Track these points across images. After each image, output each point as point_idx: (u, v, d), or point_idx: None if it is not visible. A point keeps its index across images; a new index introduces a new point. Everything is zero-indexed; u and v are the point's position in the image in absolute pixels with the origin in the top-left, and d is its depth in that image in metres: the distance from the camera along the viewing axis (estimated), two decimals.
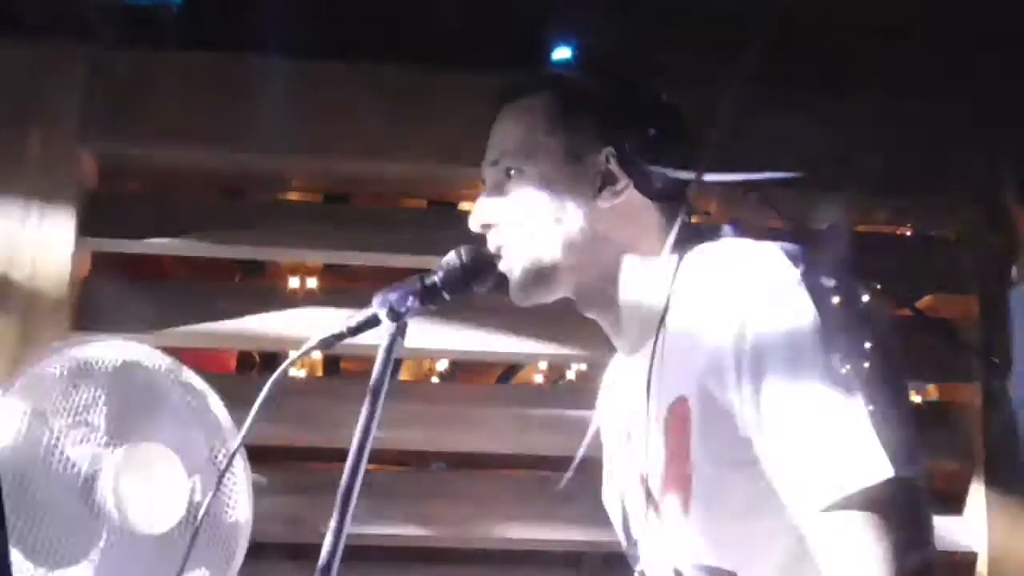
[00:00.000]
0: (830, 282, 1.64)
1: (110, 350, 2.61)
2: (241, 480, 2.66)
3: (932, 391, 4.20)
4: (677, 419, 1.69)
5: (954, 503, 3.63)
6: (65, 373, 2.52)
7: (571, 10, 3.63)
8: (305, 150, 3.63)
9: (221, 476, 2.41)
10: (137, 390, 2.60)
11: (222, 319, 3.74)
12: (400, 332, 1.76)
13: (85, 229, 3.46)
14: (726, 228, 1.83)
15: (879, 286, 1.94)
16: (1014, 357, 2.41)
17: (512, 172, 1.85)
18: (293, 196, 3.91)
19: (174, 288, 4.15)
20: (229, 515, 2.63)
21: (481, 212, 1.88)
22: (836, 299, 1.62)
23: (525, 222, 1.82)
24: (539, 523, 3.69)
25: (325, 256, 4.05)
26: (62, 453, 2.45)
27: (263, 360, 4.95)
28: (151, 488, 2.48)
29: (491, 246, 1.86)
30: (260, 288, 4.67)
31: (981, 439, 3.65)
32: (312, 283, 4.57)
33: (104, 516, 2.41)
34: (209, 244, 3.66)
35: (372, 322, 1.78)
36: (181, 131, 3.54)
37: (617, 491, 1.87)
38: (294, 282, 4.57)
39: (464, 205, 3.78)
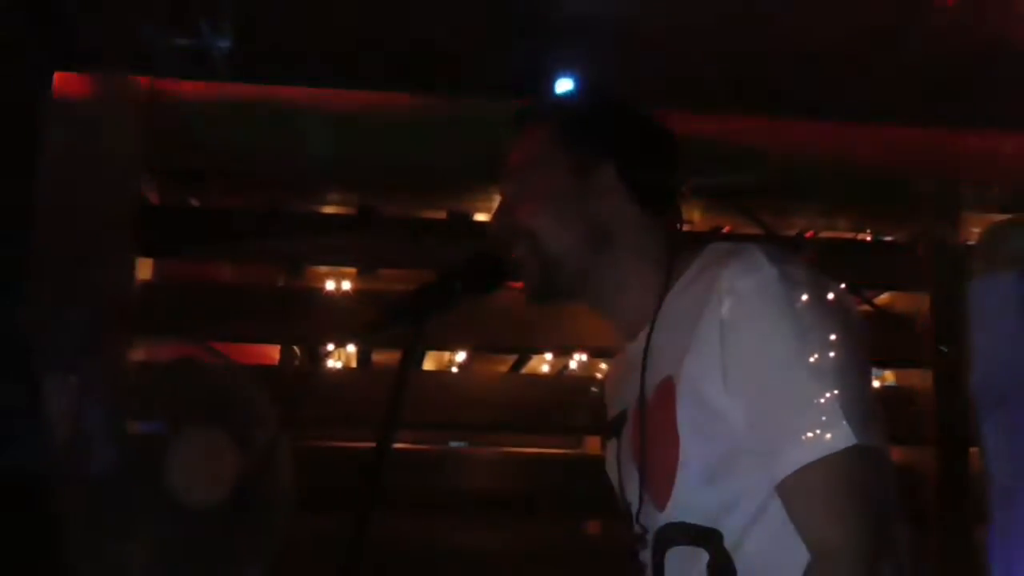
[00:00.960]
0: (801, 277, 1.64)
1: (171, 349, 2.63)
2: (284, 460, 2.66)
3: (888, 376, 4.20)
4: (666, 395, 1.69)
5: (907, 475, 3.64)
6: (134, 368, 2.54)
7: (572, 48, 3.63)
8: (340, 169, 3.64)
9: (265, 455, 2.42)
10: (194, 383, 2.61)
11: (268, 318, 3.75)
12: (422, 328, 1.77)
13: (145, 242, 3.47)
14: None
15: (843, 284, 1.94)
16: (972, 344, 2.40)
17: (524, 187, 1.85)
18: (329, 209, 3.92)
19: (226, 291, 4.17)
20: (271, 489, 2.64)
21: (495, 222, 1.88)
22: (807, 292, 1.63)
23: (535, 230, 1.82)
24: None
25: (357, 262, 4.07)
26: (132, 437, 2.46)
27: (305, 353, 4.97)
28: (206, 465, 2.49)
29: (504, 251, 1.86)
30: (301, 290, 4.69)
31: (933, 418, 3.66)
32: (346, 285, 4.57)
33: (168, 490, 2.43)
34: (256, 253, 3.68)
35: (398, 318, 1.78)
36: (231, 154, 3.56)
37: (616, 460, 1.87)
38: (330, 284, 4.58)
39: (479, 216, 3.79)
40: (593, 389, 3.63)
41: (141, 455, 2.43)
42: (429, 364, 5.43)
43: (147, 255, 3.62)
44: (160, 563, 2.45)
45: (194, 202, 3.86)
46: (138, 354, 2.57)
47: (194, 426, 2.52)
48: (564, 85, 3.67)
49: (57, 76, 3.46)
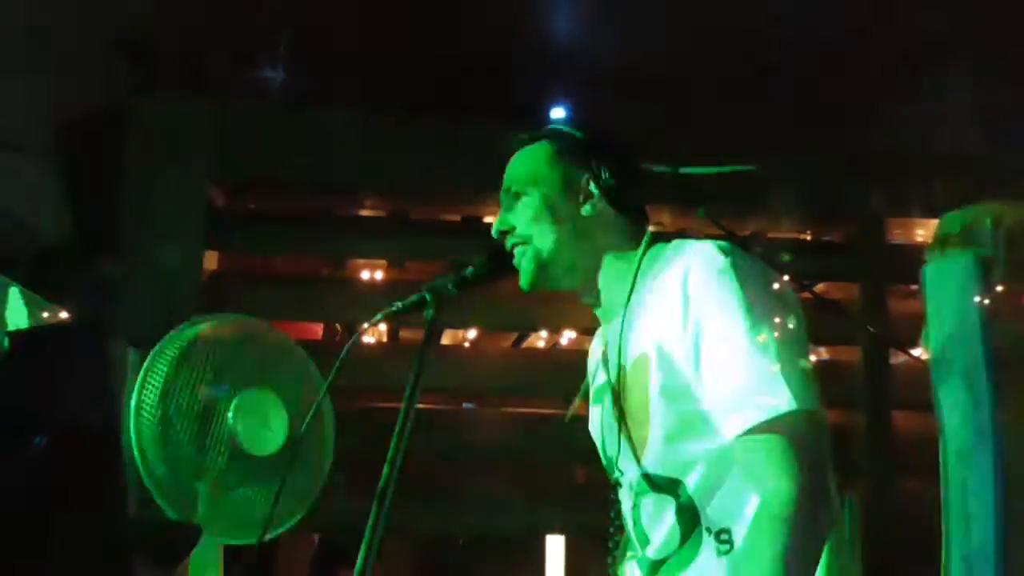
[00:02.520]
0: (751, 268, 1.63)
1: (235, 323, 2.62)
2: (327, 418, 2.65)
3: (823, 352, 4.19)
4: (640, 367, 1.68)
5: (839, 433, 3.63)
6: (202, 339, 2.53)
7: (565, 83, 3.63)
8: (374, 179, 3.64)
9: (311, 414, 2.41)
10: (253, 352, 2.60)
11: (313, 301, 3.75)
12: (440, 310, 1.76)
13: (212, 238, 3.46)
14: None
15: (787, 275, 1.92)
16: (928, 320, 2.33)
17: (522, 195, 1.84)
18: (365, 212, 3.92)
19: (279, 279, 4.17)
20: (316, 442, 2.63)
21: (500, 223, 1.87)
22: (755, 280, 1.61)
23: (531, 229, 1.81)
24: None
25: (387, 255, 4.06)
26: (199, 395, 2.45)
27: (344, 330, 4.96)
28: (262, 421, 2.48)
29: (507, 247, 1.85)
30: (342, 279, 4.69)
31: (861, 387, 3.65)
32: (379, 275, 4.56)
33: (230, 441, 2.42)
34: (305, 248, 3.69)
35: (421, 302, 1.78)
36: (285, 165, 3.55)
37: (597, 421, 1.86)
38: (365, 274, 4.57)
39: (488, 219, 3.77)
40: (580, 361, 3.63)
41: (211, 413, 2.43)
42: (446, 340, 5.41)
43: (213, 249, 3.61)
44: (224, 504, 2.44)
45: (252, 206, 3.86)
46: (206, 330, 2.54)
47: (253, 389, 2.51)
48: (557, 113, 3.68)
49: (140, 101, 3.46)
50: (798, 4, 3.36)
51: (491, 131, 3.41)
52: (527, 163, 1.86)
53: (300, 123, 3.62)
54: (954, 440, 2.23)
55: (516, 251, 1.82)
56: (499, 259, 1.83)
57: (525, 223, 1.81)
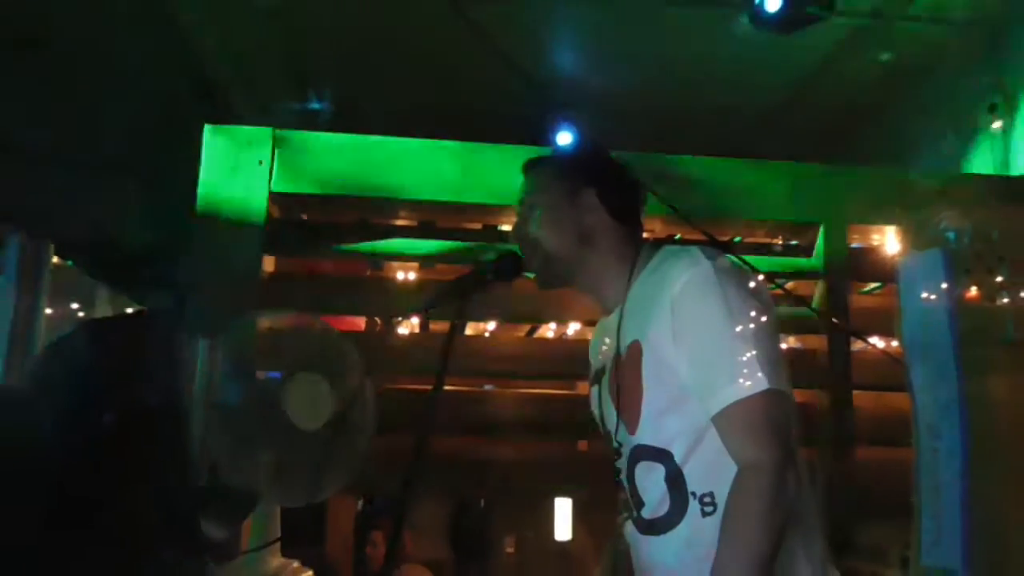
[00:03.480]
0: (729, 268, 1.64)
1: (289, 317, 2.62)
2: (369, 398, 2.64)
3: (792, 341, 4.17)
4: (634, 354, 1.68)
5: (806, 411, 3.61)
6: (262, 330, 2.53)
7: (571, 109, 3.62)
8: (407, 193, 3.64)
9: (354, 396, 2.41)
10: (304, 341, 2.60)
11: (356, 297, 3.75)
12: (465, 304, 1.77)
13: (270, 244, 3.47)
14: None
15: (760, 274, 1.91)
16: (901, 308, 2.30)
17: (535, 205, 1.84)
18: (399, 222, 3.91)
19: (327, 279, 4.18)
20: (359, 418, 2.62)
21: (516, 230, 1.87)
22: (733, 279, 1.62)
23: (541, 236, 1.81)
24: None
25: (418, 259, 4.06)
26: (256, 379, 2.45)
27: (382, 323, 4.96)
28: (312, 401, 2.48)
29: (520, 250, 1.85)
30: (380, 278, 4.69)
31: (826, 370, 3.62)
32: (412, 275, 4.56)
33: (284, 417, 2.42)
34: (348, 252, 3.70)
35: (452, 296, 1.79)
36: (330, 182, 3.55)
37: (598, 401, 1.86)
38: (400, 274, 4.57)
39: (504, 227, 3.77)
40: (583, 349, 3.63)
41: (268, 394, 2.43)
42: (469, 331, 5.41)
43: (271, 254, 3.61)
44: (280, 472, 2.44)
45: (304, 216, 3.86)
46: (265, 322, 2.54)
47: (305, 372, 2.51)
48: (564, 136, 3.68)
49: (211, 128, 3.46)
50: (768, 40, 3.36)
51: (508, 151, 3.44)
52: (540, 179, 1.87)
53: (343, 145, 3.62)
54: (924, 415, 2.21)
55: (527, 253, 1.82)
56: (513, 262, 1.83)
57: (537, 229, 1.81)
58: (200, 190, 3.40)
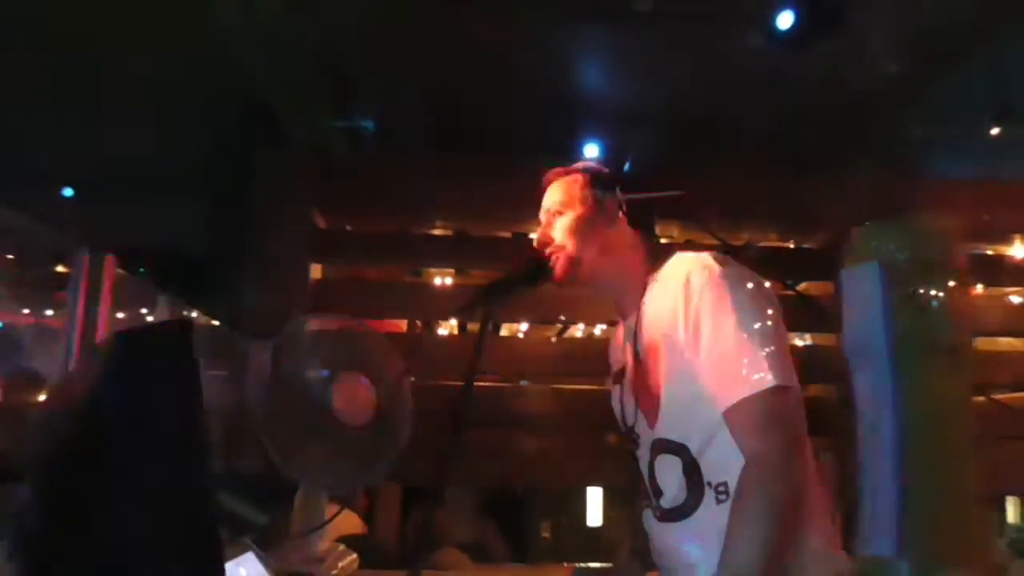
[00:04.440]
0: (738, 273, 1.62)
1: (335, 320, 2.64)
2: (406, 396, 2.65)
3: (807, 338, 4.13)
4: (651, 354, 1.67)
5: (820, 403, 3.58)
6: (310, 332, 2.55)
7: (593, 125, 3.61)
8: (443, 205, 3.65)
9: (395, 393, 2.42)
10: (348, 342, 2.61)
11: (397, 302, 3.77)
12: (498, 307, 1.77)
13: (317, 253, 3.51)
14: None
15: (775, 277, 1.89)
16: (844, 317, 2.31)
17: (560, 214, 1.84)
18: (436, 231, 3.94)
19: (370, 284, 4.20)
20: (399, 416, 2.63)
21: (542, 237, 1.86)
22: (742, 283, 1.61)
23: (566, 242, 1.81)
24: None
25: (454, 265, 4.07)
26: (305, 378, 2.47)
27: (422, 325, 4.98)
28: (356, 398, 2.49)
29: (546, 256, 1.85)
30: (419, 284, 4.71)
31: (838, 366, 3.58)
32: (448, 281, 4.57)
33: (330, 413, 2.43)
34: (389, 260, 3.72)
35: (483, 301, 1.79)
36: (372, 195, 3.59)
37: (618, 398, 1.85)
38: (437, 280, 4.58)
39: (532, 235, 3.78)
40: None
41: (316, 391, 2.44)
42: (504, 332, 5.41)
43: (317, 262, 3.65)
44: (327, 463, 2.45)
45: (348, 227, 3.89)
46: (312, 325, 2.56)
47: (349, 371, 2.52)
48: (591, 150, 3.67)
49: (264, 149, 3.51)
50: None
51: (535, 164, 3.45)
52: (565, 190, 1.86)
53: (384, 161, 3.66)
54: (866, 414, 2.23)
55: (551, 258, 1.82)
56: (541, 267, 1.83)
57: (562, 236, 1.81)
58: (253, 204, 3.44)
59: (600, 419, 3.62)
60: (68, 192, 4.35)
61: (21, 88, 3.51)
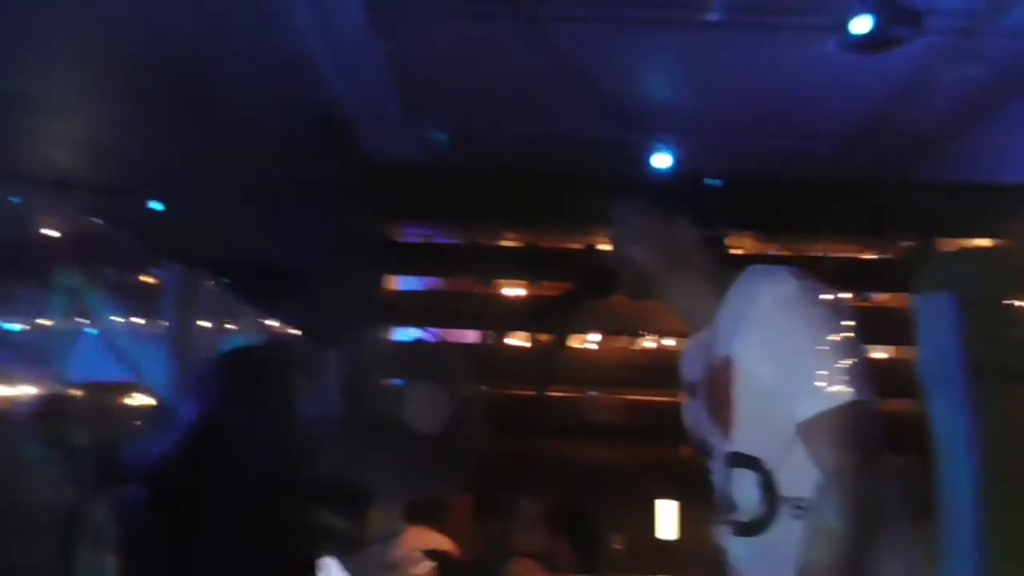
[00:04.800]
0: (813, 287, 1.61)
1: (408, 331, 2.67)
2: (478, 406, 2.66)
3: (886, 351, 4.02)
4: (725, 368, 1.66)
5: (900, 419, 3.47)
6: (382, 343, 2.59)
7: (664, 133, 3.59)
8: (513, 217, 3.68)
9: (466, 402, 2.44)
10: (421, 353, 2.65)
11: (468, 312, 3.81)
12: (570, 318, 1.79)
13: (390, 265, 3.56)
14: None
15: (852, 289, 1.85)
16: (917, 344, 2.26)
17: (629, 227, 1.84)
18: (507, 243, 3.96)
19: (442, 295, 4.25)
20: (471, 425, 2.65)
21: (615, 250, 1.86)
22: (817, 297, 1.59)
23: (639, 256, 1.80)
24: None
25: (526, 276, 4.09)
26: (379, 387, 2.51)
27: (493, 335, 5.01)
28: (429, 407, 2.52)
29: (618, 269, 1.84)
30: (489, 295, 4.73)
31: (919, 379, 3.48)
32: (519, 292, 4.59)
33: (402, 423, 2.46)
34: (461, 272, 3.76)
35: (553, 312, 1.80)
36: (445, 209, 3.63)
37: (691, 410, 1.84)
38: (508, 291, 4.60)
39: (601, 246, 3.77)
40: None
41: (390, 401, 2.48)
42: (574, 343, 5.41)
43: (391, 273, 3.71)
44: (401, 470, 2.48)
45: (421, 239, 3.95)
46: (387, 335, 2.61)
47: (422, 381, 2.55)
48: (662, 160, 3.64)
49: (336, 159, 3.58)
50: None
51: (605, 175, 3.45)
52: (635, 201, 1.86)
53: (456, 173, 3.69)
54: (942, 440, 2.16)
55: (622, 271, 1.81)
56: (614, 278, 1.82)
57: (631, 250, 1.80)
58: (330, 217, 3.52)
59: (672, 431, 3.61)
60: (157, 206, 4.50)
61: (110, 104, 3.64)
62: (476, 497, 5.10)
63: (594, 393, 4.58)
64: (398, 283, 3.82)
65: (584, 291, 1.82)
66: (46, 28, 3.13)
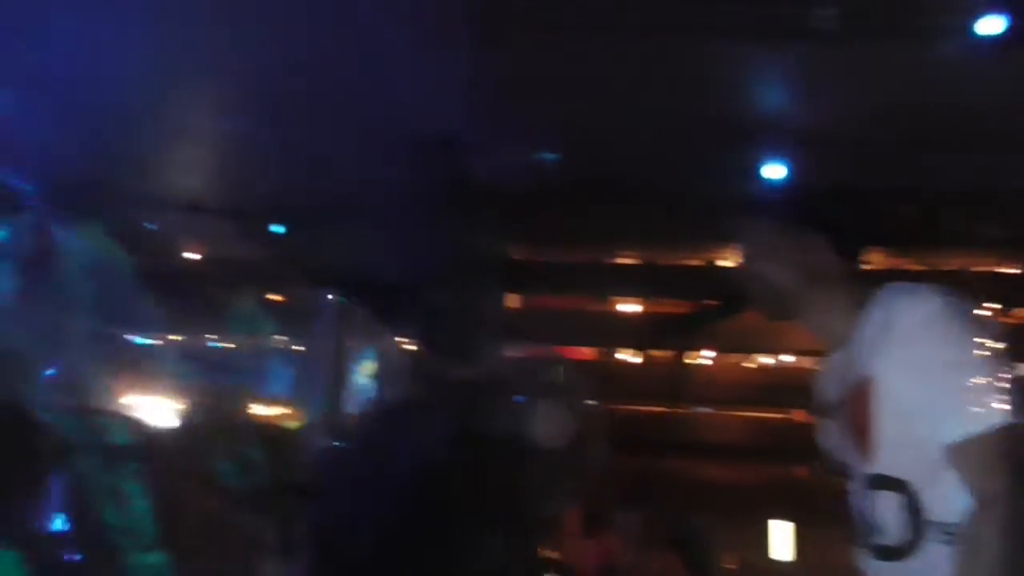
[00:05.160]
0: (956, 305, 1.55)
1: (530, 351, 2.70)
2: (599, 422, 2.66)
3: None
4: (865, 388, 1.62)
5: None
6: (506, 361, 2.61)
7: (786, 146, 3.51)
8: (632, 234, 3.68)
9: (587, 418, 2.44)
10: (542, 369, 2.67)
11: (586, 330, 3.83)
12: (695, 336, 1.77)
13: (512, 284, 3.60)
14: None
15: (992, 303, 1.79)
16: None
17: (762, 245, 1.81)
18: (624, 260, 3.96)
19: (562, 313, 4.29)
20: (591, 441, 2.64)
21: (747, 268, 1.83)
22: (960, 315, 1.54)
23: (773, 275, 1.77)
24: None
25: (646, 293, 4.07)
26: (503, 404, 2.53)
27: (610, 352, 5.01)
28: (552, 423, 2.53)
29: (748, 287, 1.82)
30: (609, 311, 4.73)
31: None
32: (636, 309, 4.58)
33: (527, 440, 2.47)
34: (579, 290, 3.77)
35: (683, 329, 1.80)
36: (563, 229, 3.66)
37: (828, 431, 1.80)
38: (626, 307, 4.59)
39: (721, 263, 3.72)
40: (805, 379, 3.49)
41: (515, 417, 2.50)
42: (690, 359, 5.36)
43: (511, 291, 3.75)
44: (525, 486, 2.49)
45: (543, 259, 3.98)
46: (511, 353, 2.64)
47: (545, 397, 2.56)
48: (775, 171, 3.56)
49: (460, 181, 3.65)
50: None
51: (725, 190, 3.41)
52: (767, 218, 1.83)
53: (572, 192, 3.72)
54: None
55: (755, 290, 1.79)
56: (742, 297, 1.81)
57: (765, 268, 1.78)
58: (451, 239, 3.58)
59: (795, 449, 3.52)
60: (279, 228, 4.68)
61: (242, 130, 3.79)
62: (587, 513, 5.10)
63: (710, 410, 4.52)
64: (517, 301, 3.86)
65: (718, 309, 1.81)
66: (180, 60, 3.30)
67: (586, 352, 4.57)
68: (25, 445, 2.00)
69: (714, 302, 1.82)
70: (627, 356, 4.42)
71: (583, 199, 3.70)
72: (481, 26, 3.32)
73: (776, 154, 3.38)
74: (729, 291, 1.83)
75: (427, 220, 3.76)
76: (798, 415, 4.07)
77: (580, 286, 3.75)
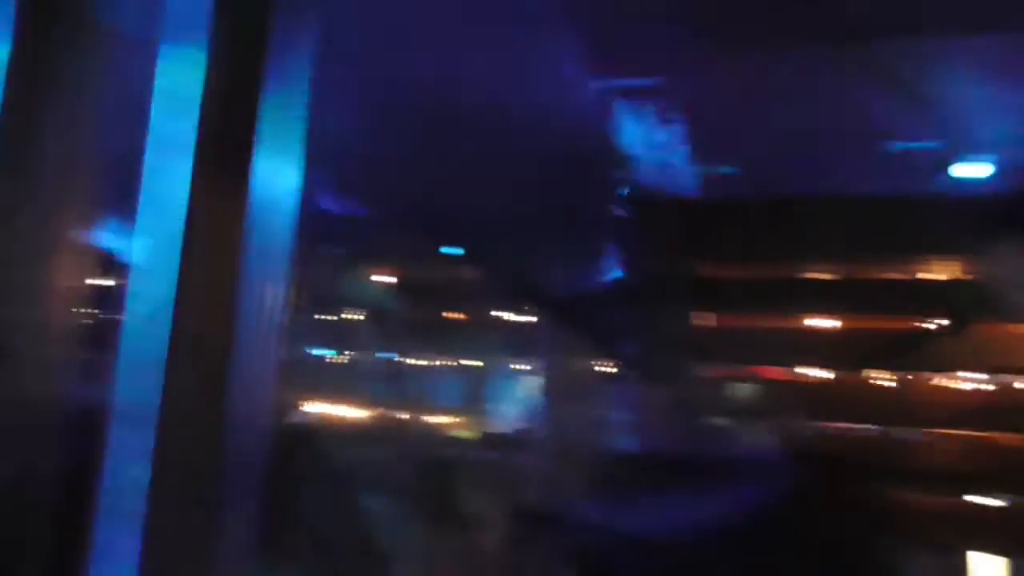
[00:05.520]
0: None
1: (719, 371, 2.63)
2: (802, 442, 2.56)
3: None
4: None
5: None
6: (699, 380, 2.56)
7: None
8: (828, 251, 3.53)
9: (787, 439, 2.35)
10: (736, 392, 2.60)
11: (777, 349, 3.68)
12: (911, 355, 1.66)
13: (698, 301, 3.54)
14: None
15: None
16: None
17: (1012, 256, 1.68)
18: (820, 275, 3.79)
19: (752, 332, 4.11)
20: (794, 462, 2.54)
21: (994, 281, 1.71)
22: None
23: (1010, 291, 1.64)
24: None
25: (843, 310, 3.88)
26: (701, 424, 2.48)
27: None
28: (755, 444, 2.45)
29: (1003, 299, 1.69)
30: (800, 329, 4.49)
31: None
32: (833, 325, 4.33)
33: (730, 458, 2.41)
34: (769, 307, 3.65)
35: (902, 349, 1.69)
36: (750, 244, 3.55)
37: None
38: (823, 324, 4.36)
39: (932, 276, 3.47)
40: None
41: (713, 437, 2.45)
42: (883, 380, 5.03)
43: (698, 310, 3.68)
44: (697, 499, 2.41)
45: (727, 275, 3.88)
46: (702, 373, 2.59)
47: (747, 417, 2.50)
48: (981, 170, 3.26)
49: (625, 192, 3.62)
50: None
51: (931, 199, 3.19)
52: (1013, 229, 1.71)
53: (761, 208, 3.60)
54: None
55: (1009, 300, 1.66)
56: (980, 308, 1.69)
57: (1002, 285, 1.65)
58: (633, 255, 3.56)
59: (1002, 475, 3.21)
60: (456, 251, 4.76)
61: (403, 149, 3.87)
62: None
63: (909, 432, 4.22)
64: (707, 320, 3.77)
65: (955, 322, 1.69)
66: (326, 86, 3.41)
67: (777, 372, 4.37)
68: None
69: (935, 319, 1.70)
70: (825, 375, 4.21)
71: (771, 213, 3.58)
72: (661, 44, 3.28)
73: (977, 156, 3.12)
74: (954, 307, 1.71)
75: (608, 237, 3.76)
76: (1006, 438, 3.75)
77: (772, 303, 3.62)
